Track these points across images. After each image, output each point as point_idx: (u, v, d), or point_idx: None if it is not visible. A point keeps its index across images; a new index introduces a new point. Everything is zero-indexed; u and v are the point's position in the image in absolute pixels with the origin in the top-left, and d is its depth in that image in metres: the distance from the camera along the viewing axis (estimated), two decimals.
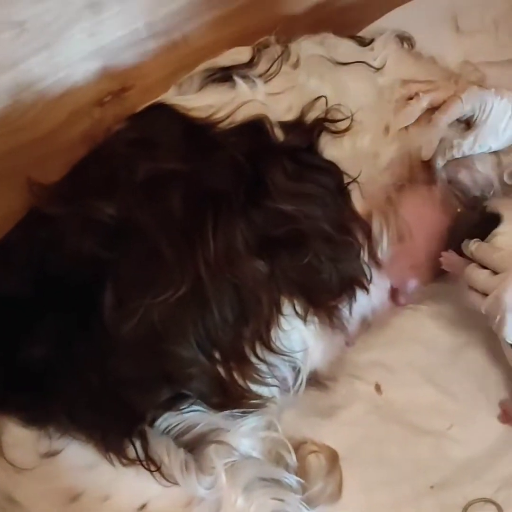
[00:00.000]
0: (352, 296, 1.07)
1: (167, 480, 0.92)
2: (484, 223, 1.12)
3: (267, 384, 1.03)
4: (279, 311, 1.01)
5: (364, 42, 1.27)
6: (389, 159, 1.13)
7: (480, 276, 1.05)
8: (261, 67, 1.14)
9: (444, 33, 1.58)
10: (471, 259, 1.09)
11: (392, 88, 1.18)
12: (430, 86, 1.15)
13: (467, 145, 1.11)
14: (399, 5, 1.55)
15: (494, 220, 1.11)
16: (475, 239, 1.10)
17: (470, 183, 1.19)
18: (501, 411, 1.13)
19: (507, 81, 1.37)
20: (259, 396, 1.03)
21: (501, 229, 1.10)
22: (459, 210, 1.17)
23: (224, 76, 1.13)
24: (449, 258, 1.13)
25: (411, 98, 1.15)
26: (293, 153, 1.05)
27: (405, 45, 1.32)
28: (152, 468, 0.91)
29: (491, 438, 1.10)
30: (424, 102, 1.13)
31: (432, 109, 1.14)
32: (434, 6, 1.59)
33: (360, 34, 1.41)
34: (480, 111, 1.11)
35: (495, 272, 1.04)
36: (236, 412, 1.00)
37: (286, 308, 1.02)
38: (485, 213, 1.14)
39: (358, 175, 1.06)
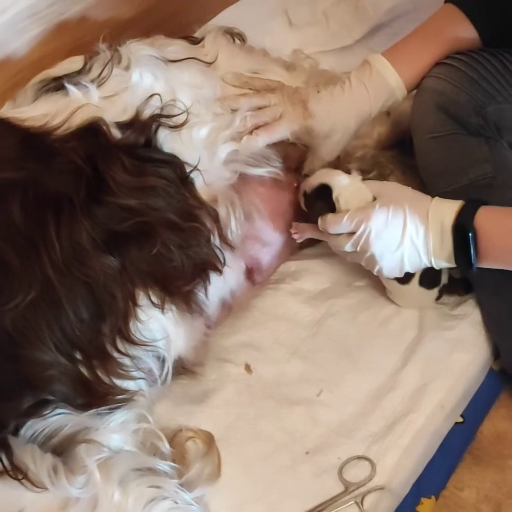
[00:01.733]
0: (206, 280, 1.10)
1: (37, 486, 0.92)
2: (319, 199, 1.18)
3: (132, 378, 1.05)
4: (134, 303, 1.02)
5: (195, 41, 1.32)
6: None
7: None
8: (93, 72, 1.15)
9: (277, 28, 1.66)
10: None
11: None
12: (261, 101, 1.20)
13: None
14: (229, 5, 1.60)
15: (325, 191, 1.17)
16: (320, 217, 1.17)
17: None
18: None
19: (341, 68, 1.46)
20: (125, 391, 1.04)
21: (335, 194, 1.16)
22: (295, 184, 1.23)
23: (57, 85, 1.14)
24: (298, 227, 1.22)
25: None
26: (131, 150, 1.07)
27: (237, 40, 1.37)
28: (19, 476, 0.91)
29: (359, 398, 1.15)
30: (248, 125, 1.18)
31: None
32: (264, 3, 1.66)
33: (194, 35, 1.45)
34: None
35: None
36: (102, 410, 1.02)
37: (142, 299, 1.03)
38: (313, 190, 1.20)
39: (198, 163, 1.10)
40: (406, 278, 1.17)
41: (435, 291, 1.20)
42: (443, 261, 1.09)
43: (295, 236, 1.23)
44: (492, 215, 1.04)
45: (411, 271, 1.13)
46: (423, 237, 1.08)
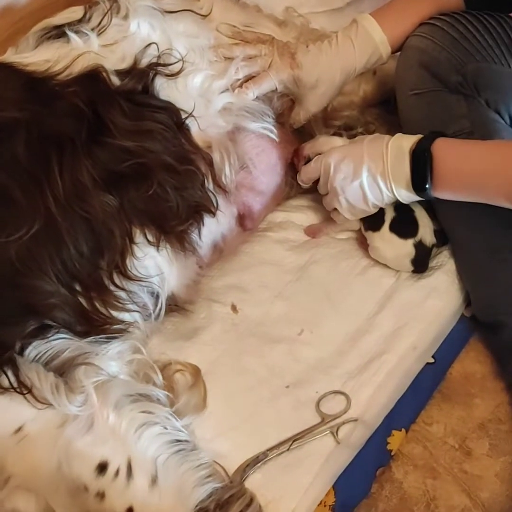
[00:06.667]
0: (199, 221, 1.17)
1: (40, 402, 0.99)
2: None
3: (128, 310, 1.12)
4: (131, 240, 1.09)
5: None
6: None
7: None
8: (94, 21, 1.20)
9: None
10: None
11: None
12: (253, 51, 1.26)
13: None
14: None
15: None
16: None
17: None
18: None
19: (331, 28, 1.50)
20: (121, 322, 1.11)
21: None
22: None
23: (58, 33, 1.19)
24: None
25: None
26: (129, 96, 1.12)
27: None
28: (24, 391, 0.98)
29: (337, 338, 1.22)
30: (240, 75, 1.24)
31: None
32: None
33: None
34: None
35: None
36: (100, 338, 1.08)
37: (138, 237, 1.10)
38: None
39: (193, 110, 1.16)
40: (377, 224, 1.25)
41: (409, 244, 1.25)
42: (402, 187, 1.15)
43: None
44: (449, 142, 1.12)
45: (377, 202, 1.19)
46: (382, 165, 1.15)
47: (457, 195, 1.13)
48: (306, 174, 1.26)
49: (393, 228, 1.25)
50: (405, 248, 1.25)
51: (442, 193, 1.13)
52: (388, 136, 1.18)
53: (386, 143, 1.16)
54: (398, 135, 1.18)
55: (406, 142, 1.14)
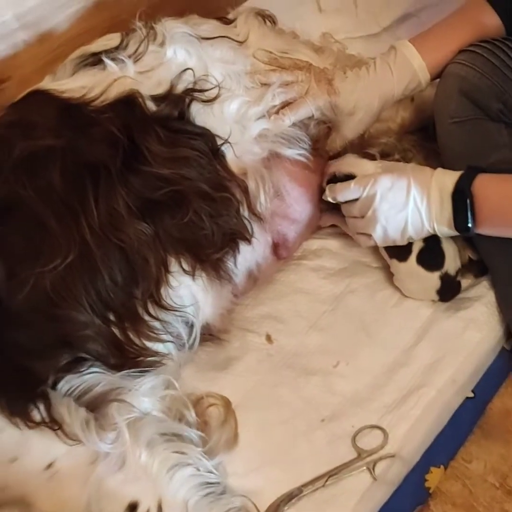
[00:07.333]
0: (235, 249, 1.16)
1: (70, 439, 0.97)
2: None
3: (162, 340, 1.10)
4: (166, 269, 1.07)
5: (227, 22, 1.36)
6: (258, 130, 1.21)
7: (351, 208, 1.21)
8: (130, 48, 1.19)
9: (307, 13, 1.68)
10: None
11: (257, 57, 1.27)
12: (290, 77, 1.24)
13: None
14: None
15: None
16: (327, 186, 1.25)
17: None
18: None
19: (368, 54, 1.49)
20: (155, 353, 1.09)
21: None
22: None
23: (95, 60, 1.18)
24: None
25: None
26: (165, 122, 1.11)
27: (268, 22, 1.41)
28: (55, 427, 0.97)
29: (374, 371, 1.19)
30: (277, 101, 1.23)
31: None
32: None
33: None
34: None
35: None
36: (134, 372, 1.07)
37: (173, 266, 1.08)
38: (342, 177, 1.26)
39: (229, 136, 1.14)
40: (403, 254, 1.22)
41: (435, 277, 1.22)
42: (445, 226, 1.14)
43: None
44: (490, 180, 1.10)
45: (414, 236, 1.17)
46: (426, 201, 1.13)
47: (499, 232, 1.12)
48: (343, 194, 1.22)
49: (420, 261, 1.22)
50: (432, 281, 1.23)
51: (484, 230, 1.12)
52: (430, 169, 1.16)
53: (430, 178, 1.14)
54: (440, 171, 1.16)
55: (449, 180, 1.12)
